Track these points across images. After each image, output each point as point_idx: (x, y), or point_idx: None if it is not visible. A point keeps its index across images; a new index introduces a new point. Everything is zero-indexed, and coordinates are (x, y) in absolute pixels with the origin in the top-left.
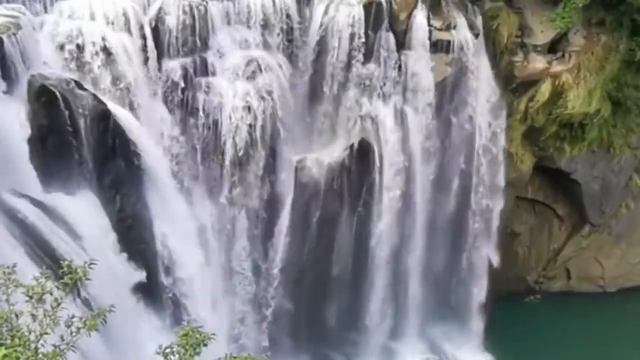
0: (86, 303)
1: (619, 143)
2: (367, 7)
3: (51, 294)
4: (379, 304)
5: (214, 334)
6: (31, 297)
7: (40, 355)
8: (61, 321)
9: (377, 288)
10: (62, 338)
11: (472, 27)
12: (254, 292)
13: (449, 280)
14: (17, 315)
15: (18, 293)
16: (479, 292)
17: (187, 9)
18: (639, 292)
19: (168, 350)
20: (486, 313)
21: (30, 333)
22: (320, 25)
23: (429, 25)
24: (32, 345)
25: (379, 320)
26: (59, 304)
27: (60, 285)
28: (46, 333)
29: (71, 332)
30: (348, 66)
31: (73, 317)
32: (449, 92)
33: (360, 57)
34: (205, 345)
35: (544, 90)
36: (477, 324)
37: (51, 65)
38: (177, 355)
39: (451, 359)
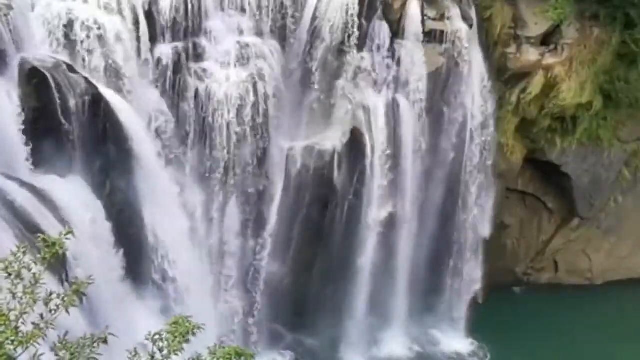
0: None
1: (608, 136)
2: None
3: (29, 270)
4: (366, 291)
5: (203, 324)
6: (10, 274)
7: (21, 335)
8: (41, 299)
9: (365, 276)
10: (41, 316)
11: (465, 17)
12: (242, 278)
13: (438, 268)
14: None
15: None
16: (468, 280)
17: None
18: (625, 285)
19: (157, 337)
20: (474, 302)
21: (9, 312)
22: (314, 13)
23: (423, 14)
24: (13, 324)
25: (365, 307)
26: (37, 281)
27: (38, 261)
28: (25, 312)
29: (50, 310)
30: (341, 54)
31: (51, 294)
32: (442, 83)
33: (354, 45)
34: (194, 334)
35: (537, 82)
36: (464, 312)
37: (42, 47)
38: (165, 342)
39: (437, 347)
